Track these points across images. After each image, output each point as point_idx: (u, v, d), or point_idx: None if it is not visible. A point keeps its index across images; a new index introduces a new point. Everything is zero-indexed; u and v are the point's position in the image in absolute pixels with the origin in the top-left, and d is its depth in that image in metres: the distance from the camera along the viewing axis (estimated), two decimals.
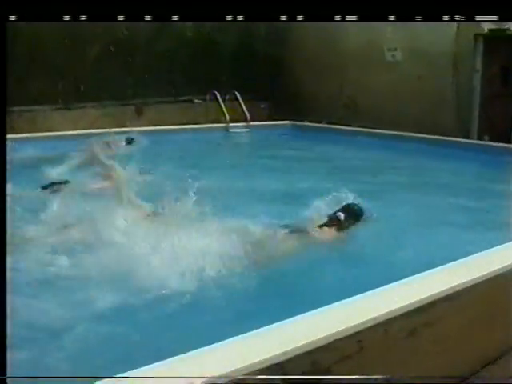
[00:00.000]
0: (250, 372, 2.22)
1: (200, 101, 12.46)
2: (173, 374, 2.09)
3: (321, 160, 9.51)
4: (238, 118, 11.87)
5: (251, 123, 11.72)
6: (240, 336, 2.45)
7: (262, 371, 2.24)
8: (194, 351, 2.29)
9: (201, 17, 3.32)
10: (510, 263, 3.56)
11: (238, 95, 11.97)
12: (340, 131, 11.39)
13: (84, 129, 10.32)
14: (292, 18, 3.19)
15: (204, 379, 2.09)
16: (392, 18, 3.18)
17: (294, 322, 2.65)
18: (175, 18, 3.11)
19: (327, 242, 4.71)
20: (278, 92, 13.17)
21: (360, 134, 11.07)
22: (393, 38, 11.86)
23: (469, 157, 9.31)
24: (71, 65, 11.03)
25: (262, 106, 13.34)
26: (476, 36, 11.24)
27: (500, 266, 3.49)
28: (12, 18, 2.84)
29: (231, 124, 11.55)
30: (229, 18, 3.08)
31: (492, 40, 11.19)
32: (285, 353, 2.37)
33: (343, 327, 2.61)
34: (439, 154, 9.62)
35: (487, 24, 11.09)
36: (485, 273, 3.36)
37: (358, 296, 2.93)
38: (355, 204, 4.98)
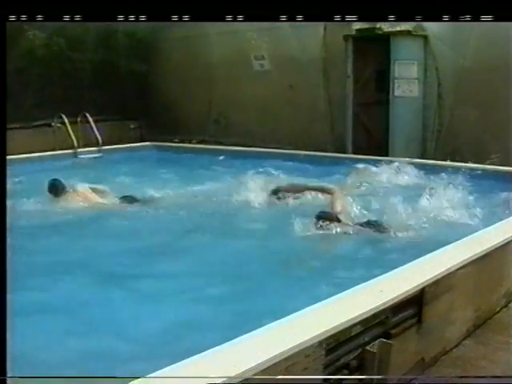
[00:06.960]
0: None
1: (60, 125, 11.22)
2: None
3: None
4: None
5: (106, 147, 10.49)
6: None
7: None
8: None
9: (201, 17, 3.29)
10: None
11: (88, 117, 10.72)
12: (199, 150, 10.23)
13: None
14: (292, 18, 3.23)
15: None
16: (392, 17, 3.24)
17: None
18: (175, 17, 3.18)
19: None
20: (147, 111, 11.97)
21: (222, 152, 9.93)
22: (259, 45, 10.70)
23: None
24: None
25: (132, 126, 12.11)
26: (345, 37, 10.08)
27: None
28: (12, 17, 2.94)
29: (80, 149, 10.32)
30: (229, 18, 3.16)
31: (362, 41, 9.99)
32: None
33: None
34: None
35: (358, 23, 9.96)
36: None
37: None
38: None
